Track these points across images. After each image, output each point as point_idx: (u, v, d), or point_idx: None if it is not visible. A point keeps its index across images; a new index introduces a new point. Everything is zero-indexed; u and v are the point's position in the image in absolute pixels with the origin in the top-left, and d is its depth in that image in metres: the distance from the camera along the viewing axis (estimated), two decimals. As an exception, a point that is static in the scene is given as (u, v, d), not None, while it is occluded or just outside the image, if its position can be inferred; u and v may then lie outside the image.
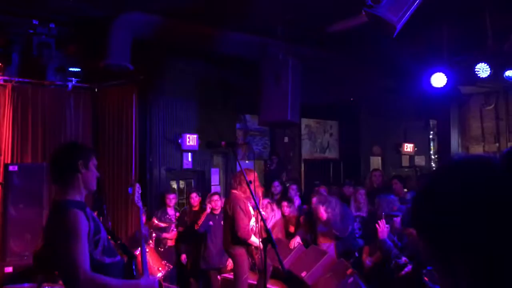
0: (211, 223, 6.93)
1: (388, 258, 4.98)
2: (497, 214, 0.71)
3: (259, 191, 5.63)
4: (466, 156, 0.82)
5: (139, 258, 3.08)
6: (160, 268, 5.34)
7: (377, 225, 5.09)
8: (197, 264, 7.13)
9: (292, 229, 7.10)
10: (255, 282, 5.81)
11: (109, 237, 2.81)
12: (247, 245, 5.28)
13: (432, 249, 0.79)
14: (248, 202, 5.28)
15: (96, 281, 2.46)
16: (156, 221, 7.05)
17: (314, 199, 6.39)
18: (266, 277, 3.21)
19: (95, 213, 2.77)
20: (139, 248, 3.25)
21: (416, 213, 0.83)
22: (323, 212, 5.94)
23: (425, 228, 0.81)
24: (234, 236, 5.16)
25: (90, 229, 2.56)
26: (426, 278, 3.39)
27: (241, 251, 5.21)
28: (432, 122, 12.64)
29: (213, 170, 9.39)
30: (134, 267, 2.79)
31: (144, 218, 3.28)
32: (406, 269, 4.54)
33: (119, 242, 2.94)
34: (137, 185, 3.33)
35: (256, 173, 5.36)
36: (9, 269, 6.26)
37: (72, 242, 2.46)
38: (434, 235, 0.78)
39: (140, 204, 3.25)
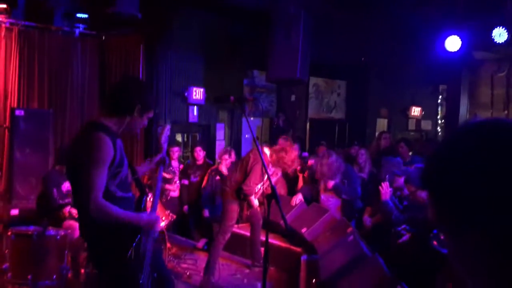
0: (217, 177, 6.99)
1: (389, 220, 5.02)
2: None
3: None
4: (485, 119, 0.80)
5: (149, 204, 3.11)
6: (163, 218, 5.42)
7: (380, 187, 5.11)
8: (199, 215, 7.24)
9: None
10: (245, 233, 5.93)
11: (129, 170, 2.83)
12: (243, 199, 5.34)
13: (443, 212, 0.78)
14: (269, 167, 5.25)
15: (104, 207, 2.50)
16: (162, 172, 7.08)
17: (315, 159, 6.38)
18: (267, 233, 3.23)
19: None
20: (153, 191, 3.27)
21: (430, 174, 0.81)
22: (330, 182, 5.98)
23: (438, 190, 0.79)
24: (238, 187, 5.20)
25: (115, 159, 2.58)
26: (435, 242, 3.42)
27: (234, 200, 5.27)
28: (441, 87, 12.47)
29: (218, 125, 9.38)
30: (144, 203, 2.82)
31: (167, 159, 3.29)
32: (404, 238, 4.59)
33: (136, 177, 2.97)
34: (168, 126, 3.28)
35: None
36: (15, 212, 6.38)
37: (93, 166, 2.50)
38: (447, 198, 0.76)
39: (165, 145, 3.21)
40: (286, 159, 5.14)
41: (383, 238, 5.10)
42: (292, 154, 5.19)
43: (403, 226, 4.83)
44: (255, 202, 5.26)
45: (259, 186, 5.30)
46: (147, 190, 3.12)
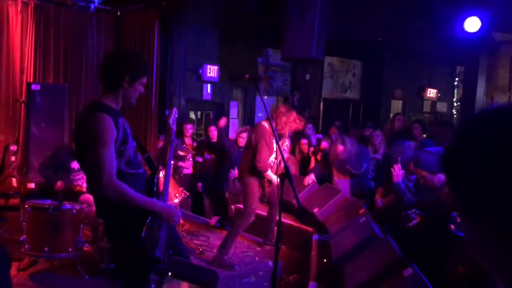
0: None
1: (401, 203, 5.02)
2: None
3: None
4: (505, 104, 0.79)
5: (161, 181, 3.14)
6: (177, 195, 5.47)
7: (392, 169, 5.09)
8: (213, 192, 7.31)
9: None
10: (265, 214, 5.95)
11: (138, 149, 2.85)
12: (261, 177, 5.34)
13: (460, 196, 0.78)
14: (273, 138, 5.25)
15: (119, 188, 2.53)
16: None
17: (329, 142, 6.38)
18: (280, 212, 3.25)
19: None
20: (164, 169, 3.30)
21: (449, 159, 0.81)
22: (340, 147, 5.94)
23: (456, 175, 0.79)
24: (252, 166, 5.21)
25: (118, 138, 2.59)
26: (452, 226, 3.42)
27: (254, 181, 5.28)
28: (458, 69, 12.29)
29: (232, 103, 9.37)
30: (156, 180, 2.85)
31: (176, 142, 3.35)
32: (413, 222, 4.58)
33: (146, 155, 2.99)
34: (175, 109, 3.35)
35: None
36: (31, 185, 6.49)
37: (98, 147, 2.52)
38: (465, 183, 0.76)
39: (174, 127, 3.26)
40: (288, 119, 5.21)
41: (394, 219, 5.11)
42: (292, 114, 5.24)
43: (413, 210, 4.83)
44: (273, 177, 5.23)
45: (272, 158, 5.30)
46: (160, 167, 3.15)
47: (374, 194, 5.94)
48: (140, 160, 2.85)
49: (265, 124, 5.25)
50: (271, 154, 5.23)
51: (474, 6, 6.86)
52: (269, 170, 5.28)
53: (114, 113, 2.64)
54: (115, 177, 2.53)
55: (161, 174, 3.41)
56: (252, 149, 5.19)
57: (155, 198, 2.78)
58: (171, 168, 5.79)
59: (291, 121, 5.25)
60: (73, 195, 5.32)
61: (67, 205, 4.75)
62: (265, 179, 5.47)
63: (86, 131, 2.60)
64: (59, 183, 5.49)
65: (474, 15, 6.74)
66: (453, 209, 0.83)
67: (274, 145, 5.23)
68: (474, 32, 6.90)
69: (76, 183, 5.62)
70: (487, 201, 0.72)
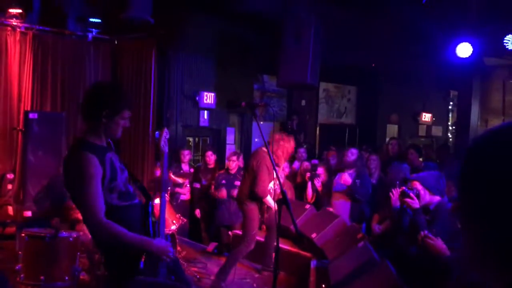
0: (223, 181, 7.04)
1: (398, 227, 5.00)
2: None
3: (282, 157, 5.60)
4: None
5: (157, 208, 3.12)
6: (174, 221, 5.46)
7: (390, 193, 5.09)
8: (210, 219, 7.28)
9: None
10: (263, 239, 5.93)
11: (129, 179, 2.81)
12: (261, 203, 5.35)
13: (470, 208, 0.80)
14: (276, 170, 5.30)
15: (108, 229, 2.50)
16: (172, 176, 7.16)
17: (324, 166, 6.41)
18: (278, 237, 3.25)
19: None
20: (159, 196, 3.27)
21: (464, 174, 0.83)
22: (347, 178, 6.00)
23: (468, 189, 0.81)
24: (251, 191, 5.22)
25: (106, 175, 2.56)
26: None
27: (253, 206, 5.28)
28: (452, 93, 12.43)
29: (229, 129, 9.42)
30: (150, 208, 2.82)
31: (166, 167, 3.24)
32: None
33: (138, 184, 2.97)
34: (165, 130, 3.22)
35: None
36: (28, 213, 6.46)
37: (83, 187, 2.49)
38: (477, 196, 0.78)
39: (166, 149, 3.15)
40: (286, 146, 5.28)
41: (392, 244, 5.09)
42: (291, 141, 5.35)
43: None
44: (272, 202, 5.24)
45: (271, 185, 5.31)
46: (152, 194, 3.11)
47: (371, 219, 5.94)
48: (133, 191, 2.81)
49: (265, 149, 5.29)
50: (271, 180, 5.25)
51: (466, 32, 7.00)
52: (268, 196, 5.29)
53: (99, 150, 2.61)
54: (103, 217, 2.50)
55: (156, 201, 3.40)
56: (252, 174, 5.21)
57: (151, 227, 2.76)
58: (167, 193, 5.74)
59: (287, 147, 5.32)
60: (70, 223, 5.30)
61: (64, 233, 4.72)
62: (264, 205, 5.48)
63: (71, 171, 2.58)
64: (56, 219, 5.44)
65: (465, 41, 6.87)
66: (459, 218, 0.85)
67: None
68: (466, 58, 7.02)
69: (72, 211, 5.60)
70: (498, 214, 0.74)
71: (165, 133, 3.21)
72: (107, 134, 2.69)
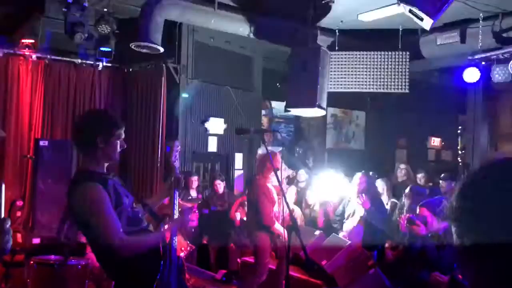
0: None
1: (410, 255, 4.95)
2: None
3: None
4: (507, 156, 0.82)
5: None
6: (182, 248, 5.43)
7: (399, 220, 5.06)
8: (219, 246, 7.23)
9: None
10: (274, 267, 5.86)
11: (136, 203, 2.80)
12: (270, 232, 5.31)
13: (466, 246, 0.79)
14: (272, 188, 5.30)
15: (131, 243, 2.54)
16: (180, 201, 7.14)
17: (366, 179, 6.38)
18: (288, 264, 3.22)
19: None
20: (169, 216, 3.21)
21: (455, 209, 0.83)
22: (367, 202, 5.96)
23: (462, 225, 0.81)
24: (258, 222, 5.19)
25: (112, 202, 2.56)
26: (460, 276, 3.37)
27: (265, 236, 5.25)
28: (461, 117, 12.39)
29: (237, 154, 9.43)
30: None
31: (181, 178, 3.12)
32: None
33: (147, 208, 2.94)
34: (176, 142, 3.14)
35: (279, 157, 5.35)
36: (36, 241, 6.46)
37: (96, 217, 2.49)
38: (472, 233, 0.78)
39: (177, 164, 3.04)
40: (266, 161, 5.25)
41: (403, 270, 5.02)
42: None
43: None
44: (281, 229, 5.19)
45: (275, 208, 5.29)
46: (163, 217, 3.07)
47: (383, 246, 5.88)
48: (141, 215, 2.81)
49: (258, 178, 5.31)
50: (273, 206, 5.24)
51: (473, 56, 7.03)
52: (276, 223, 5.26)
53: (101, 178, 2.61)
54: (123, 235, 2.50)
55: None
56: (254, 205, 5.20)
57: (162, 250, 2.75)
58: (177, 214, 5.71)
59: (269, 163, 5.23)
60: (79, 248, 5.28)
61: (73, 260, 4.71)
62: (275, 233, 5.43)
63: (79, 204, 2.57)
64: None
65: (473, 65, 6.89)
66: (459, 257, 0.84)
67: (275, 195, 5.26)
68: (473, 82, 7.03)
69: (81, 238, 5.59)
70: (494, 251, 0.74)
71: (176, 146, 3.14)
72: (106, 158, 2.69)
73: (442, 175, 6.85)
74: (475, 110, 8.70)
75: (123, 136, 2.74)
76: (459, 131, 12.93)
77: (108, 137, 2.64)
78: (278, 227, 5.24)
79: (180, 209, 3.00)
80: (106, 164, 2.72)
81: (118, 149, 2.71)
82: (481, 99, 8.59)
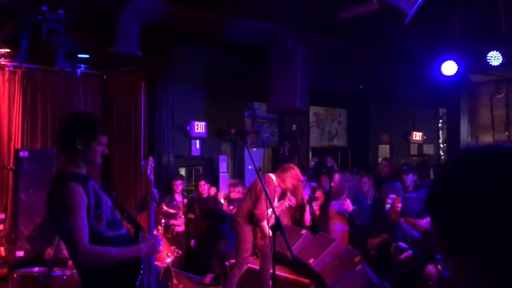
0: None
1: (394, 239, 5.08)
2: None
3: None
4: (481, 145, 0.82)
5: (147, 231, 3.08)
6: (169, 254, 5.39)
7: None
8: (206, 249, 7.19)
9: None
10: (257, 267, 5.86)
11: (115, 208, 2.79)
12: (256, 225, 5.36)
13: (444, 238, 0.79)
14: (276, 192, 5.43)
15: (95, 252, 2.49)
16: (165, 207, 7.10)
17: (339, 177, 6.40)
18: (274, 265, 3.22)
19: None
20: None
21: (431, 201, 0.83)
22: (349, 204, 6.01)
23: (439, 217, 0.81)
24: (250, 213, 5.24)
25: (90, 204, 2.55)
26: (439, 266, 3.41)
27: (248, 229, 5.30)
28: (441, 111, 12.55)
29: (221, 157, 9.41)
30: (140, 239, 2.79)
31: (156, 193, 3.21)
32: (405, 254, 4.59)
33: (126, 214, 2.93)
34: (151, 158, 3.22)
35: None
36: (20, 253, 6.35)
37: (69, 217, 2.48)
38: (448, 224, 0.78)
39: (152, 177, 3.13)
40: (293, 174, 5.43)
41: (387, 260, 5.12)
42: (295, 170, 5.51)
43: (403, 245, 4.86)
44: (267, 229, 5.24)
45: (270, 211, 5.32)
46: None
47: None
48: (120, 220, 2.80)
49: (272, 176, 5.39)
50: (270, 207, 5.27)
51: (449, 50, 7.12)
52: (265, 221, 5.30)
53: (82, 179, 2.60)
54: (87, 244, 2.48)
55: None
56: (254, 197, 5.25)
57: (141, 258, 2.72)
58: (162, 227, 5.70)
59: (295, 175, 5.44)
60: (62, 260, 5.20)
61: (57, 271, 4.64)
62: (258, 229, 5.50)
63: (56, 202, 2.56)
64: (49, 250, 5.38)
65: (450, 59, 6.97)
66: (439, 249, 0.84)
67: (276, 199, 5.34)
68: (452, 75, 7.11)
69: (64, 251, 5.51)
70: (470, 241, 0.74)
71: (151, 162, 3.21)
72: (86, 162, 2.68)
73: (404, 168, 7.06)
74: (454, 103, 8.80)
75: (105, 142, 2.74)
76: (440, 125, 13.12)
77: (88, 141, 2.64)
78: (265, 225, 5.27)
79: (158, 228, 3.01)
80: (86, 168, 2.70)
81: (99, 155, 2.70)
82: (460, 92, 8.70)
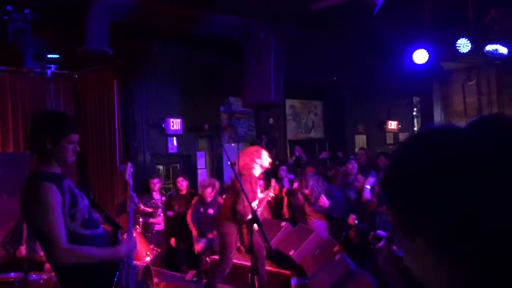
0: (201, 209, 7.02)
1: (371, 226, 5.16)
2: (463, 178, 0.72)
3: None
4: (433, 126, 0.82)
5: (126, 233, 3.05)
6: (148, 253, 5.34)
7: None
8: (187, 246, 7.16)
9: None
10: (244, 263, 5.84)
11: (92, 208, 2.77)
12: (241, 224, 5.26)
13: (395, 218, 0.80)
14: (258, 185, 5.33)
15: (74, 251, 2.48)
16: (142, 206, 7.03)
17: (311, 182, 6.40)
18: (258, 258, 3.22)
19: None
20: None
21: (383, 182, 0.83)
22: (325, 200, 6.03)
23: (392, 198, 0.81)
24: (233, 211, 5.13)
25: (65, 202, 2.53)
26: (395, 247, 3.47)
27: (232, 229, 5.20)
28: (415, 99, 12.73)
29: (198, 153, 9.36)
30: (119, 238, 2.78)
31: (135, 197, 3.22)
32: (383, 242, 4.66)
33: (103, 214, 2.92)
34: (129, 164, 3.26)
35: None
36: (-5, 260, 6.21)
37: (44, 216, 2.46)
38: (402, 204, 0.78)
39: (130, 181, 3.16)
40: (259, 155, 5.26)
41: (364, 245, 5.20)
42: (261, 149, 5.37)
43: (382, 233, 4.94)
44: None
45: (254, 203, 5.27)
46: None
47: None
48: (97, 219, 2.78)
49: (249, 168, 5.32)
50: (254, 200, 5.22)
51: (420, 38, 7.19)
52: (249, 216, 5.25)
53: (56, 178, 2.58)
54: (65, 243, 2.46)
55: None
56: (236, 193, 5.12)
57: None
58: (140, 226, 5.63)
59: (263, 156, 5.29)
60: (38, 264, 5.11)
61: (34, 275, 4.55)
62: (243, 226, 5.41)
63: (30, 202, 2.53)
64: (22, 250, 5.27)
65: (421, 47, 7.05)
66: (394, 230, 0.85)
67: (258, 192, 5.27)
68: (423, 64, 7.19)
69: (40, 253, 5.42)
70: (419, 221, 0.74)
71: (129, 167, 3.23)
72: (58, 161, 2.64)
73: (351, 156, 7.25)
74: (427, 91, 8.93)
75: (76, 140, 2.69)
76: (414, 113, 13.30)
77: (57, 139, 2.60)
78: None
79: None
80: (59, 167, 2.66)
81: (71, 153, 2.66)
82: (432, 80, 8.82)
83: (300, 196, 6.37)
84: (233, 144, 10.08)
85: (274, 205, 7.27)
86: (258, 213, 5.25)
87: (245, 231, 5.54)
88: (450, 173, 0.72)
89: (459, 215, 0.71)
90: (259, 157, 5.25)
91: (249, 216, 5.25)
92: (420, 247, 0.75)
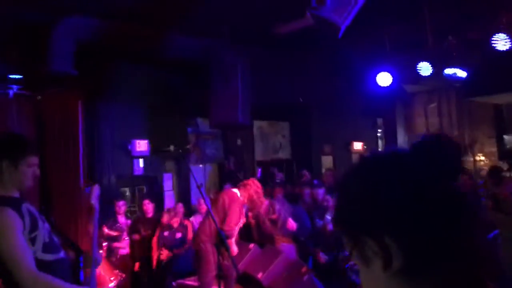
0: (165, 233, 6.96)
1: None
2: (402, 197, 0.75)
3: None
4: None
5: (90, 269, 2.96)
6: (112, 278, 5.19)
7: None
8: (152, 271, 7.01)
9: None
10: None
11: (53, 232, 2.66)
12: (221, 245, 5.15)
13: (348, 238, 0.82)
14: (244, 207, 5.33)
15: (43, 280, 2.36)
16: (106, 230, 6.87)
17: (278, 206, 6.44)
18: (219, 281, 3.17)
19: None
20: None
21: (335, 208, 0.87)
22: (292, 223, 6.06)
23: (340, 219, 0.84)
24: (216, 232, 5.02)
25: (26, 226, 2.43)
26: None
27: (211, 249, 5.08)
28: (379, 121, 13.01)
29: (165, 175, 9.24)
30: (82, 263, 2.70)
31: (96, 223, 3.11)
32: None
33: (64, 238, 2.83)
34: (96, 186, 3.13)
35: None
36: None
37: (7, 241, 2.34)
38: (347, 224, 0.81)
39: (97, 205, 3.04)
40: (256, 184, 5.35)
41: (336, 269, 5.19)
42: (255, 182, 5.42)
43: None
44: (234, 247, 5.10)
45: (237, 228, 5.24)
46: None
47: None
48: (58, 242, 2.67)
49: (236, 191, 5.31)
50: (239, 222, 5.19)
51: (383, 61, 7.41)
52: (233, 239, 5.19)
53: (13, 202, 2.49)
54: (36, 270, 2.35)
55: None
56: (222, 212, 5.06)
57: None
58: (104, 251, 5.49)
59: (257, 187, 5.37)
60: None
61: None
62: (223, 249, 5.31)
63: None
64: None
65: (384, 70, 7.26)
66: (349, 255, 0.88)
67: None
68: (387, 86, 7.40)
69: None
70: (370, 238, 0.76)
71: (96, 189, 3.12)
72: (15, 185, 2.56)
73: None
74: (390, 113, 9.15)
75: (35, 163, 2.61)
76: (379, 134, 13.59)
77: (14, 163, 2.52)
78: (233, 242, 5.16)
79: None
80: (17, 191, 2.57)
81: (29, 177, 2.58)
82: (395, 102, 9.06)
83: (267, 224, 6.40)
84: (200, 165, 10.01)
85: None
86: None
87: (225, 254, 5.47)
88: (383, 197, 0.76)
89: (397, 235, 0.74)
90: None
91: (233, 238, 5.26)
92: (374, 272, 0.76)
